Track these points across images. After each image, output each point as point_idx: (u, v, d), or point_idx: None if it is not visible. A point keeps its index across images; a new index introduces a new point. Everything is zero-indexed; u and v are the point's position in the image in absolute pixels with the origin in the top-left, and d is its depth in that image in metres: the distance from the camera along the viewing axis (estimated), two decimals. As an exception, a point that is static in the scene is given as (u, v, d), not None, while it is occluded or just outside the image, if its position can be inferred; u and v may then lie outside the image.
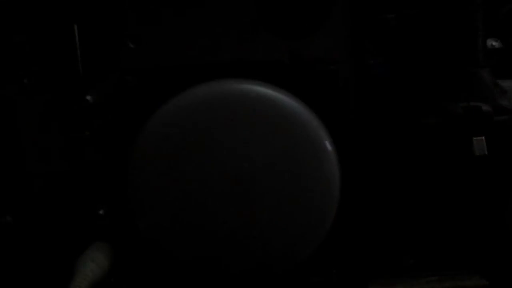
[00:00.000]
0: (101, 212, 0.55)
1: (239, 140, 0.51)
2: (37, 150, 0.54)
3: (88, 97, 0.52)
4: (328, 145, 0.51)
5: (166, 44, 0.53)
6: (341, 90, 0.53)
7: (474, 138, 0.56)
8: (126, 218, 0.54)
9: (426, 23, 0.57)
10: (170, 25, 0.52)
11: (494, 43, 0.63)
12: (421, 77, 0.58)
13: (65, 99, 0.53)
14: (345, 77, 0.52)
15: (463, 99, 0.57)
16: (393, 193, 0.58)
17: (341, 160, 0.52)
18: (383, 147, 0.58)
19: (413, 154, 0.58)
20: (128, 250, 0.55)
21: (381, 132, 0.57)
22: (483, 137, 0.56)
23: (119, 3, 0.52)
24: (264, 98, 0.51)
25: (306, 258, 0.54)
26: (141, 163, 0.52)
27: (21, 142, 0.54)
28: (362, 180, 0.56)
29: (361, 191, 0.56)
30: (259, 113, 0.51)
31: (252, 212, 0.52)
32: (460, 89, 0.58)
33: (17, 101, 0.53)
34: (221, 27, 0.52)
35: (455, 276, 0.59)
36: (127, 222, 0.54)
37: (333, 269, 0.56)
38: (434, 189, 0.58)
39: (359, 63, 0.53)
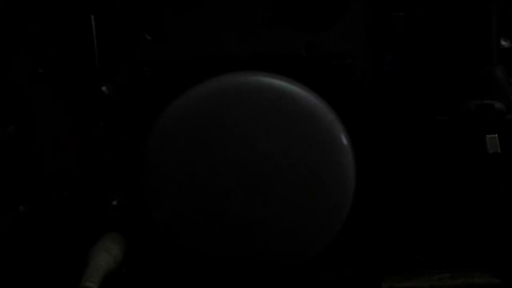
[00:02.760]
0: (114, 203, 0.54)
1: (254, 133, 0.51)
2: (51, 140, 0.54)
3: (104, 88, 0.52)
4: (344, 140, 0.51)
5: (183, 36, 0.53)
6: (358, 84, 0.53)
7: (487, 136, 0.56)
8: (140, 209, 0.54)
9: (439, 21, 0.57)
10: (187, 17, 0.52)
11: (504, 43, 0.63)
12: (433, 75, 0.58)
13: (80, 90, 0.53)
14: (362, 71, 0.52)
15: (476, 97, 0.57)
16: (405, 190, 0.58)
17: (357, 155, 0.52)
18: (396, 143, 0.57)
19: (425, 151, 0.58)
20: (141, 241, 0.54)
21: (394, 129, 0.57)
22: (496, 135, 0.56)
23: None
24: (280, 91, 0.51)
25: (319, 252, 0.53)
26: (156, 155, 0.52)
27: (35, 132, 0.54)
28: (377, 176, 0.55)
29: (375, 187, 0.55)
30: (274, 106, 0.51)
31: (266, 206, 0.52)
32: (474, 87, 0.58)
33: (31, 91, 0.53)
34: (238, 20, 0.52)
35: (467, 273, 0.59)
36: (140, 213, 0.54)
37: (345, 264, 0.56)
38: (447, 186, 0.58)
39: (376, 57, 0.53)
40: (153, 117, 0.52)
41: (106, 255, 0.50)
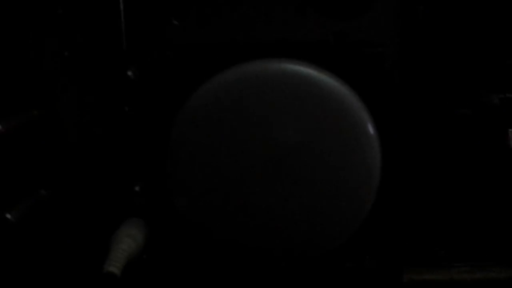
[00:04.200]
0: (137, 188, 0.54)
1: (279, 121, 0.50)
2: (75, 124, 0.54)
3: (130, 73, 0.52)
4: (371, 129, 0.51)
5: (209, 21, 0.52)
6: (387, 74, 0.52)
7: (510, 130, 0.56)
8: (162, 195, 0.53)
9: (462, 14, 0.57)
10: (215, 3, 0.52)
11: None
12: (456, 68, 0.58)
13: (106, 74, 0.53)
14: (392, 60, 0.52)
15: (500, 90, 0.57)
16: (426, 183, 0.58)
17: (383, 145, 0.52)
18: (419, 136, 0.57)
19: (447, 144, 0.57)
20: (163, 227, 0.54)
21: (417, 121, 0.57)
22: (519, 130, 0.56)
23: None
24: (307, 79, 0.50)
25: (341, 243, 0.53)
26: (181, 141, 0.51)
27: (60, 115, 0.53)
28: (401, 168, 0.55)
29: (399, 179, 0.55)
30: (301, 94, 0.50)
31: (289, 194, 0.51)
32: (497, 80, 0.57)
33: (56, 74, 0.53)
34: (267, 5, 0.52)
35: (486, 267, 0.59)
36: (163, 199, 0.54)
37: (366, 255, 0.56)
38: (468, 180, 0.58)
39: (406, 47, 0.53)
40: (179, 103, 0.51)
41: (129, 241, 0.50)
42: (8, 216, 0.49)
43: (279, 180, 0.51)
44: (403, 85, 0.54)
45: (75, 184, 0.54)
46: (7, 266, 0.53)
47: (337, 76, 0.51)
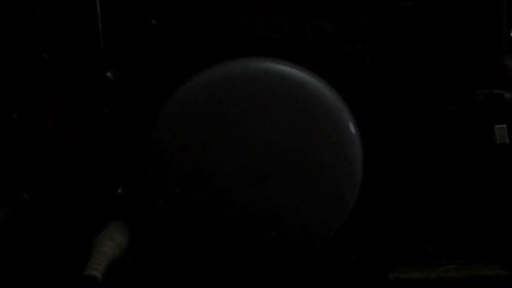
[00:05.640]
0: (119, 191, 0.54)
1: (260, 120, 0.50)
2: (55, 127, 0.53)
3: (109, 74, 0.52)
4: (352, 128, 0.51)
5: (189, 20, 0.52)
6: (367, 71, 0.52)
7: (496, 126, 0.56)
8: (145, 197, 0.53)
9: (448, 10, 0.56)
10: (194, 1, 0.51)
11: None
12: (442, 64, 0.58)
13: (85, 75, 0.52)
14: (372, 58, 0.51)
15: (486, 87, 0.57)
16: (413, 180, 0.58)
17: (364, 144, 0.51)
18: (404, 133, 0.57)
19: (434, 141, 0.57)
20: (146, 229, 0.54)
21: (402, 118, 0.57)
22: (505, 125, 0.55)
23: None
24: (287, 77, 0.50)
25: (325, 242, 0.53)
26: (162, 143, 0.51)
27: (39, 118, 0.53)
28: (384, 166, 0.55)
29: (382, 176, 0.55)
30: (281, 93, 0.50)
31: (271, 195, 0.51)
32: (483, 76, 0.57)
33: (36, 77, 0.53)
34: (246, 4, 0.51)
35: (474, 265, 0.58)
36: (145, 201, 0.53)
37: (351, 254, 0.56)
38: (455, 176, 0.58)
39: (386, 44, 0.52)
40: (159, 103, 0.51)
41: (110, 244, 0.50)
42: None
43: (260, 180, 0.51)
44: (384, 82, 0.54)
45: (57, 187, 0.54)
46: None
47: (318, 75, 0.51)
